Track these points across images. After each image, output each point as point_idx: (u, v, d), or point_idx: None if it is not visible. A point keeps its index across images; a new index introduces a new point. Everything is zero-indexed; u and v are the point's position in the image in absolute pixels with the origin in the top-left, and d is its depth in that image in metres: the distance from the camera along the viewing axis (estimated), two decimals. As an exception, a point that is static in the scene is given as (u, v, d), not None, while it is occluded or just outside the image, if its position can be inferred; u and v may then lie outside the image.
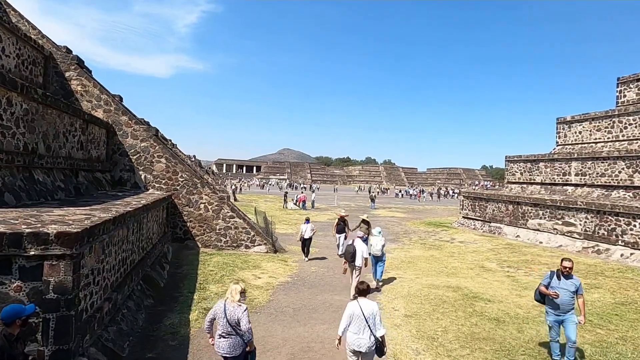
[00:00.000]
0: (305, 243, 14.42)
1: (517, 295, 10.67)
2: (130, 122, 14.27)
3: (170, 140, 47.53)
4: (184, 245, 14.80)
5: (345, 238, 14.85)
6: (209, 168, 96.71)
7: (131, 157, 14.35)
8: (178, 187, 14.89)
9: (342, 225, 15.23)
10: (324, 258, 15.03)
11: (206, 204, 15.06)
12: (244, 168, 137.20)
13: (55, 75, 13.43)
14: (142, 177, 14.44)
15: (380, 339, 5.35)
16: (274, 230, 17.67)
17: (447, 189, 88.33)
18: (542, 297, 6.93)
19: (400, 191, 73.09)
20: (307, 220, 14.75)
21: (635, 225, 15.83)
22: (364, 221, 14.48)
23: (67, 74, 13.56)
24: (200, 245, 14.97)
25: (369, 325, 5.27)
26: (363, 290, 5.65)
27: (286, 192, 38.63)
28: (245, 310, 5.04)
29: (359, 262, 10.06)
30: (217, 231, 15.11)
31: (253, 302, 9.34)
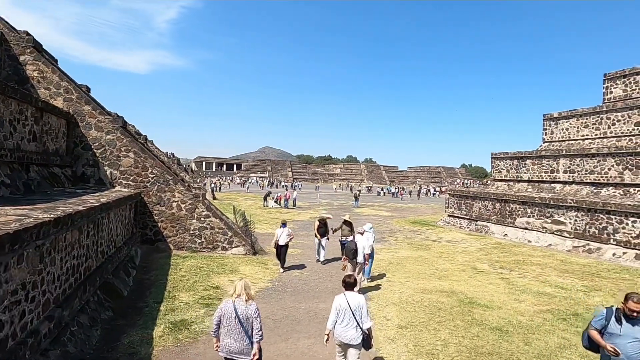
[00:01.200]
0: (281, 251, 12.29)
1: (515, 300, 9.91)
2: (94, 112, 12.97)
3: (146, 136, 45.68)
4: (154, 247, 13.58)
5: (327, 240, 13.90)
6: (188, 166, 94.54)
7: (95, 150, 13.05)
8: (148, 184, 13.65)
9: (323, 229, 13.82)
10: (306, 262, 14.03)
11: (179, 202, 13.87)
12: (224, 166, 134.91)
13: (8, 59, 12.03)
14: (108, 172, 13.16)
15: (367, 332, 5.36)
16: (253, 230, 16.58)
17: (428, 187, 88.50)
18: (592, 344, 4.86)
19: (382, 189, 72.68)
20: (284, 224, 12.72)
21: (627, 224, 15.37)
22: (345, 222, 13.55)
23: (21, 58, 12.17)
24: (172, 248, 13.78)
25: (355, 318, 5.31)
26: (350, 284, 5.64)
27: (269, 192, 37.39)
28: (257, 309, 4.85)
29: (360, 258, 10.24)
30: (191, 232, 13.93)
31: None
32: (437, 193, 74.80)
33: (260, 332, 4.78)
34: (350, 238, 12.17)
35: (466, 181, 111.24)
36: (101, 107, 13.60)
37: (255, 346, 4.77)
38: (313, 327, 7.89)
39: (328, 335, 5.48)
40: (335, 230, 14.07)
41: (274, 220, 25.17)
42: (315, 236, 13.89)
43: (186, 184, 14.44)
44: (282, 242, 12.33)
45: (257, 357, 4.73)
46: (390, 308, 9.04)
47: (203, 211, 13.98)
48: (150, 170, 13.61)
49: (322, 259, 13.69)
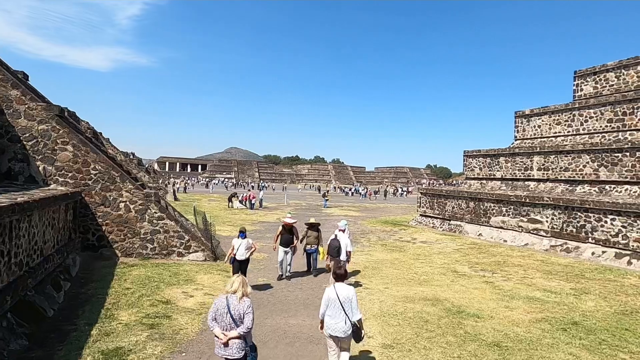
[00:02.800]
0: (240, 268, 9.38)
1: (506, 308, 8.94)
2: (23, 97, 11.09)
3: (100, 133, 42.64)
4: (97, 254, 11.83)
5: (293, 253, 11.18)
6: (150, 166, 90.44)
7: (25, 143, 11.17)
8: (90, 182, 11.87)
9: (288, 237, 11.02)
10: (273, 268, 12.60)
11: (127, 202, 12.16)
12: (189, 166, 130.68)
13: None
14: (41, 168, 11.31)
15: (357, 324, 5.29)
16: (215, 233, 15.03)
17: (396, 187, 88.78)
18: None
19: (350, 189, 72.02)
20: (242, 233, 9.74)
21: (606, 222, 14.91)
22: (311, 226, 11.69)
23: None
24: (119, 254, 12.06)
25: (344, 310, 5.24)
26: (340, 275, 5.53)
27: (234, 192, 35.59)
28: (250, 306, 4.82)
29: (344, 256, 10.08)
30: (142, 236, 12.26)
31: (177, 336, 6.81)
32: (405, 193, 74.93)
33: (248, 328, 4.72)
34: (315, 247, 11.57)
35: (431, 181, 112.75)
36: (33, 92, 11.71)
37: (234, 333, 4.67)
38: (282, 350, 6.56)
39: (322, 323, 5.46)
40: (302, 240, 11.75)
41: (239, 221, 23.59)
42: (275, 248, 11.27)
43: (137, 183, 12.74)
44: (240, 257, 9.45)
45: (231, 336, 4.64)
46: (371, 322, 7.82)
47: (156, 212, 12.33)
48: (92, 166, 11.84)
49: (286, 272, 11.07)
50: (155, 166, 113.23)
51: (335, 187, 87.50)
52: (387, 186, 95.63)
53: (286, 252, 10.94)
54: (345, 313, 5.23)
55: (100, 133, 43.50)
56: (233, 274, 8.98)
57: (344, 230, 10.76)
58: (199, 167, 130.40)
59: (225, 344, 4.67)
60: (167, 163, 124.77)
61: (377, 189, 71.26)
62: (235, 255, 9.53)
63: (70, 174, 11.60)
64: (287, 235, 11.06)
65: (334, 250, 10.19)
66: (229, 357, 4.72)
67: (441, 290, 10.33)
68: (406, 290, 10.26)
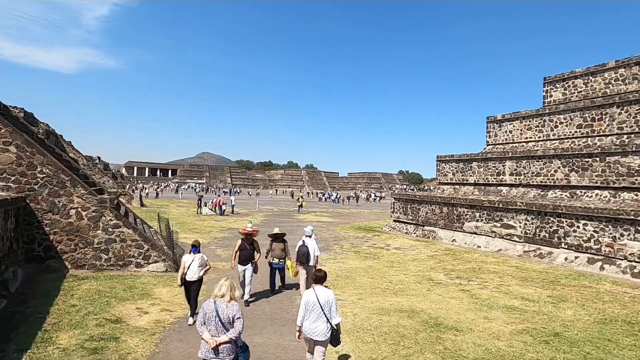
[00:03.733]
0: (190, 289, 7.83)
1: (485, 319, 8.50)
2: (-42, 93, 9.93)
3: (61, 135, 40.55)
4: (44, 266, 10.73)
5: (255, 271, 9.38)
6: (117, 171, 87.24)
7: (-40, 143, 10.02)
8: (37, 187, 10.79)
9: (248, 251, 9.28)
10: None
11: (79, 209, 11.13)
12: (159, 171, 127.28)
13: None
14: (-22, 172, 10.17)
15: (335, 327, 5.28)
16: (178, 241, 14.09)
17: (369, 192, 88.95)
18: None
19: (324, 194, 71.60)
20: (195, 247, 8.02)
21: (578, 227, 14.88)
22: (275, 237, 10.39)
23: None
24: (69, 266, 10.99)
25: (324, 313, 5.21)
26: (320, 278, 5.51)
27: (201, 196, 34.36)
28: (239, 310, 4.80)
29: (313, 261, 9.66)
30: (96, 246, 11.24)
31: (124, 362, 5.98)
32: (378, 198, 75.10)
33: (239, 332, 4.69)
34: (282, 261, 10.35)
35: (404, 186, 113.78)
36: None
37: (225, 337, 4.62)
38: (243, 375, 5.82)
39: (299, 330, 5.38)
40: (266, 255, 10.35)
41: (207, 228, 22.60)
42: (234, 266, 9.62)
43: (91, 188, 11.72)
44: (190, 278, 7.75)
45: (221, 341, 4.59)
46: (344, 338, 7.18)
47: (111, 220, 11.35)
48: (39, 169, 10.77)
49: (246, 296, 9.11)
50: (123, 171, 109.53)
51: (309, 193, 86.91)
52: (359, 191, 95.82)
53: (245, 271, 9.14)
54: (326, 316, 5.22)
55: (61, 136, 41.49)
56: (185, 296, 8.06)
57: (311, 235, 10.19)
58: (169, 172, 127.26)
59: (215, 349, 4.61)
60: (135, 168, 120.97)
61: (350, 195, 71.03)
62: (185, 275, 7.73)
63: (13, 178, 10.49)
64: (248, 249, 9.23)
65: (303, 256, 9.64)
66: None
67: (417, 300, 9.83)
68: (381, 301, 9.70)
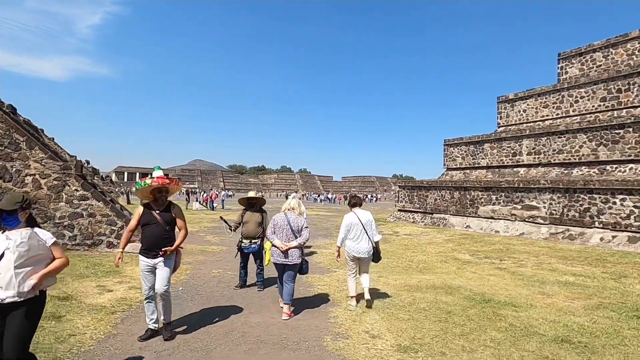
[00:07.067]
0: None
1: (543, 294, 6.72)
2: None
3: (43, 130, 38.52)
4: (-8, 245, 8.77)
5: (173, 271, 4.68)
6: (107, 177, 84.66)
7: None
8: (-17, 148, 8.88)
9: (158, 227, 4.53)
10: (229, 258, 9.88)
11: (37, 176, 9.23)
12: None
13: None
14: None
15: (376, 245, 5.74)
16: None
17: (365, 194, 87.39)
18: None
19: (319, 195, 69.81)
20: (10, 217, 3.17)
21: (615, 203, 13.20)
22: (249, 205, 7.07)
23: None
24: (25, 245, 9.04)
25: (366, 232, 5.66)
26: (355, 203, 6.00)
27: (189, 194, 32.39)
28: (306, 221, 5.55)
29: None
30: (58, 221, 9.32)
31: (61, 345, 4.11)
32: (375, 199, 73.46)
33: (305, 239, 5.39)
34: (258, 242, 6.81)
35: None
36: None
37: (295, 243, 5.28)
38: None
39: (338, 251, 5.80)
40: (235, 228, 7.39)
41: (196, 220, 20.74)
42: (120, 259, 4.57)
43: (49, 151, 9.81)
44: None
45: (292, 245, 5.25)
46: (371, 316, 5.38)
47: (77, 190, 9.45)
48: (-13, 127, 8.86)
49: (153, 323, 4.58)
50: (113, 176, 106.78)
51: (304, 195, 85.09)
52: (356, 193, 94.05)
53: (150, 270, 4.52)
54: (368, 235, 5.67)
55: (42, 130, 39.34)
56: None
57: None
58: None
59: (285, 253, 5.24)
60: (125, 173, 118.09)
61: (347, 195, 69.20)
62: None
63: (-48, 136, 8.58)
64: (158, 223, 4.54)
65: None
66: (289, 262, 5.27)
67: (449, 277, 8.04)
68: (405, 278, 7.89)
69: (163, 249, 4.44)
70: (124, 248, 4.58)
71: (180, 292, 6.51)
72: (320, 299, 6.28)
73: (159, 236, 4.47)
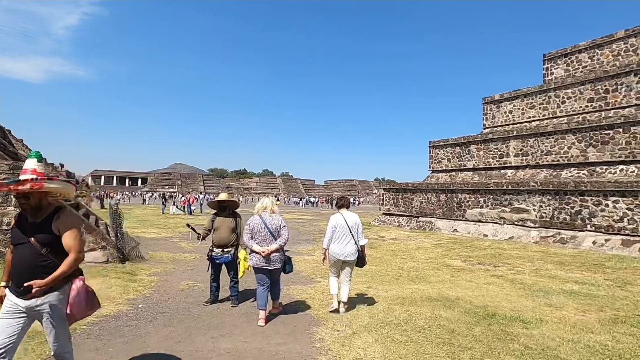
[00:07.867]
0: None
1: (549, 307, 6.05)
2: None
3: (10, 131, 36.51)
4: None
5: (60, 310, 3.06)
6: (84, 180, 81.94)
7: None
8: None
9: (30, 249, 2.81)
10: (201, 271, 8.88)
11: (-18, 177, 8.14)
12: (127, 180, 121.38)
13: None
14: None
15: (361, 249, 5.53)
16: (127, 230, 11.16)
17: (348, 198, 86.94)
18: None
19: (301, 199, 68.96)
20: None
21: (607, 205, 12.79)
22: (221, 208, 6.17)
23: None
24: (-34, 256, 7.94)
25: (352, 235, 5.43)
26: (343, 204, 5.76)
27: (165, 198, 31.14)
28: (283, 219, 5.28)
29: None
30: (5, 228, 8.25)
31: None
32: (357, 202, 73.03)
33: (286, 239, 5.11)
34: (232, 251, 5.94)
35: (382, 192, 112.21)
36: None
37: (275, 246, 5.05)
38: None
39: (325, 254, 5.58)
40: (204, 237, 6.30)
41: (171, 224, 19.60)
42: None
43: (4, 150, 8.75)
44: None
45: (272, 249, 5.03)
46: (363, 338, 4.58)
47: (29, 193, 8.38)
48: None
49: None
50: (89, 180, 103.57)
51: (285, 200, 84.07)
52: (332, 197, 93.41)
53: (16, 315, 2.81)
54: (353, 237, 5.45)
55: (9, 131, 37.44)
56: None
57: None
58: (139, 180, 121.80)
59: (266, 257, 5.02)
60: (102, 177, 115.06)
61: (329, 198, 68.60)
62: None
63: None
64: (28, 247, 2.84)
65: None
66: (270, 267, 5.08)
67: (445, 287, 7.32)
68: (397, 289, 7.13)
69: (26, 284, 2.68)
70: (7, 280, 2.93)
71: (141, 311, 5.59)
72: (303, 317, 5.46)
73: (29, 263, 2.78)
